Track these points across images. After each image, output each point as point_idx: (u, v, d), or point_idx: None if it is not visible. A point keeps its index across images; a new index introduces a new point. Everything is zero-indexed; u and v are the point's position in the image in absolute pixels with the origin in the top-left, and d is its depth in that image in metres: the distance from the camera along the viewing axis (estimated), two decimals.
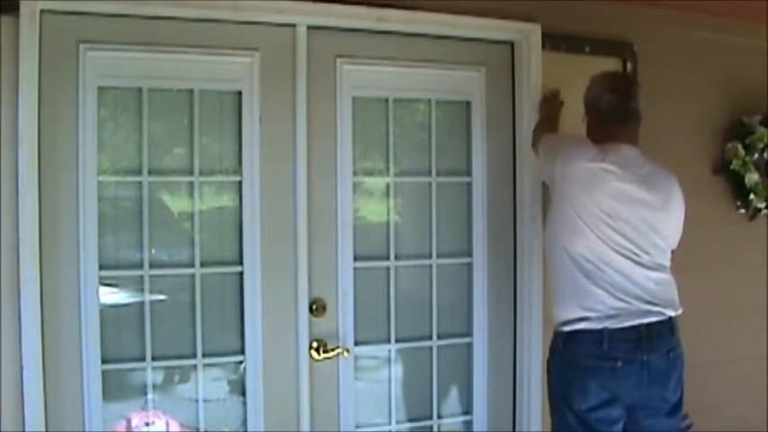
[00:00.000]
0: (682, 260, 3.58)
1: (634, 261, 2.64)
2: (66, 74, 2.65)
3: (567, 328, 2.66)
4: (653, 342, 2.62)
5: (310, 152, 2.94)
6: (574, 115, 3.33)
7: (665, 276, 2.72)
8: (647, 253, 2.66)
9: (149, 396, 2.80)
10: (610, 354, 2.59)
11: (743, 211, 3.72)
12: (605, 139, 2.75)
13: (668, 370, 2.65)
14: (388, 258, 3.11)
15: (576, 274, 2.65)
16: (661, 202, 2.71)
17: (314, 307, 2.96)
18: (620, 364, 2.58)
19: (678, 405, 2.72)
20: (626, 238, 2.63)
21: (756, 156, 3.66)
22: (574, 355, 2.65)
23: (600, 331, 2.60)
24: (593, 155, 2.67)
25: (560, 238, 2.70)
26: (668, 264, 2.76)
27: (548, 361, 2.78)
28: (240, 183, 2.88)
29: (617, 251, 2.62)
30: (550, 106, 3.12)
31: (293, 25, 2.91)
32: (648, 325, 2.62)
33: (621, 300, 2.61)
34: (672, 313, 2.69)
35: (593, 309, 2.62)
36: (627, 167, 2.67)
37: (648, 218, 2.67)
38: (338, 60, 2.99)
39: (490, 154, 3.24)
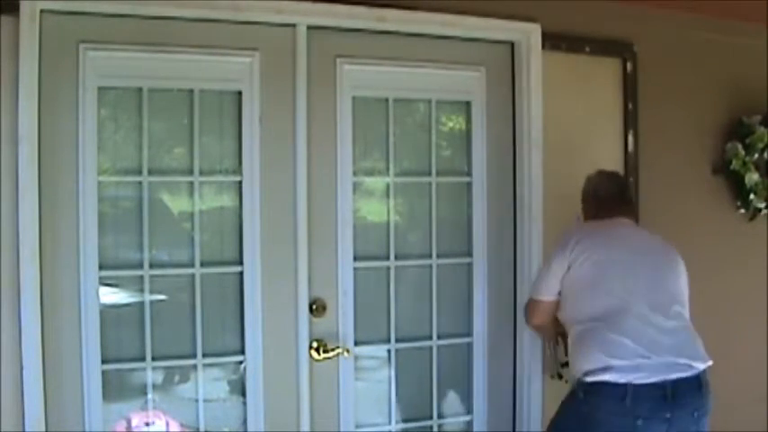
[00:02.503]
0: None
1: (652, 323, 2.59)
2: (66, 74, 2.65)
3: (589, 379, 2.57)
4: (678, 400, 2.53)
5: (310, 152, 2.94)
6: (573, 118, 3.34)
7: (686, 325, 2.68)
8: (661, 310, 2.62)
9: (149, 396, 2.80)
10: (632, 411, 2.50)
11: (743, 211, 3.72)
12: (605, 217, 2.85)
13: (691, 427, 2.57)
14: (388, 258, 3.11)
15: (598, 326, 2.61)
16: (661, 262, 2.74)
17: (314, 307, 2.96)
18: (640, 422, 2.50)
19: None
20: (639, 296, 2.61)
21: (756, 156, 3.66)
22: (593, 408, 2.56)
23: (624, 386, 2.51)
24: (578, 237, 2.73)
25: (579, 305, 2.70)
26: (687, 316, 2.72)
27: (562, 402, 2.72)
28: (240, 183, 2.88)
29: (634, 313, 2.59)
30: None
31: (293, 25, 2.91)
32: (675, 381, 2.54)
33: (647, 348, 2.54)
34: (701, 365, 2.61)
35: (617, 356, 2.53)
36: (620, 237, 2.76)
37: (651, 276, 2.68)
38: (338, 60, 2.99)
39: (490, 154, 3.24)
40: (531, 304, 2.89)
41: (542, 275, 2.83)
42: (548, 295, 2.79)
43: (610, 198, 2.91)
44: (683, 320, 2.68)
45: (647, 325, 2.58)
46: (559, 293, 2.76)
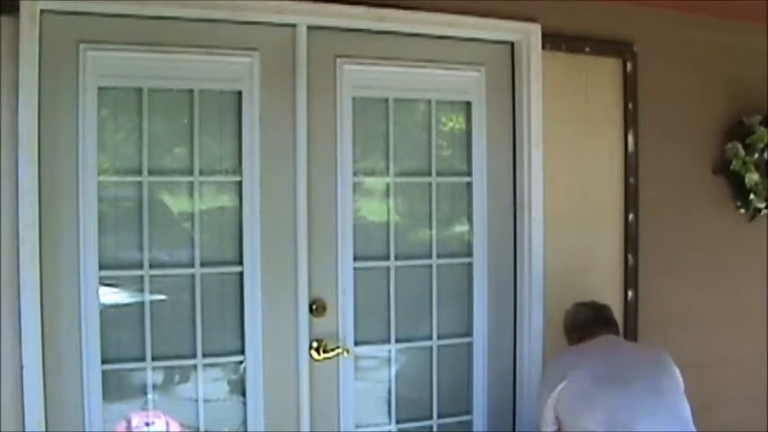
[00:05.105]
0: (681, 260, 3.59)
1: None
2: (66, 74, 2.65)
3: None
4: None
5: (310, 152, 2.94)
6: (573, 118, 3.34)
7: None
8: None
9: (149, 396, 2.80)
10: None
11: (743, 211, 3.72)
12: (590, 337, 2.86)
13: None
14: (388, 258, 3.11)
15: None
16: (652, 375, 2.69)
17: (314, 307, 2.96)
18: None
19: None
20: (639, 421, 2.56)
21: (756, 156, 3.66)
22: None
23: None
24: (563, 369, 2.72)
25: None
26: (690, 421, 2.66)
27: None
28: (240, 183, 2.88)
29: None
30: None
31: (293, 25, 2.91)
32: None
33: None
34: None
35: None
36: (609, 359, 2.74)
37: (643, 396, 2.62)
38: (338, 60, 2.99)
39: (490, 154, 3.24)
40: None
41: (540, 408, 2.79)
42: (549, 427, 2.76)
43: (589, 322, 2.92)
44: None
45: None
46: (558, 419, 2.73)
